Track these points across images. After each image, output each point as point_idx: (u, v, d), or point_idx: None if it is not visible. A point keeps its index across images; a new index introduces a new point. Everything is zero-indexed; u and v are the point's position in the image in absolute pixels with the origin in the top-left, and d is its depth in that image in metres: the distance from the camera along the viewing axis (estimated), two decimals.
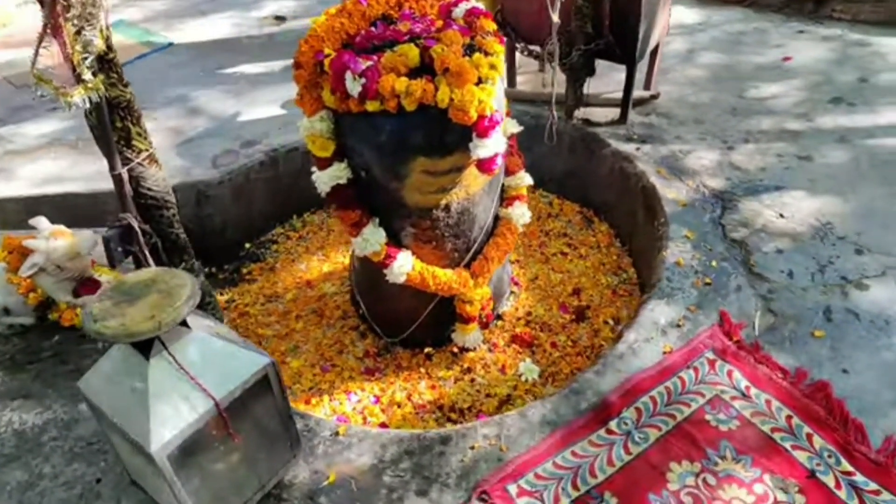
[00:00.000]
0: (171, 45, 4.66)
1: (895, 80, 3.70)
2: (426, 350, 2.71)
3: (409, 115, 1.98)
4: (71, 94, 1.44)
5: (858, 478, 1.82)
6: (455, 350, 2.70)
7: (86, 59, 1.47)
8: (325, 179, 2.17)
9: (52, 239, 2.31)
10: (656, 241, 2.72)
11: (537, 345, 2.71)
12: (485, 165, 2.09)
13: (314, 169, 2.22)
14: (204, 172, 3.25)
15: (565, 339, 2.72)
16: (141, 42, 4.73)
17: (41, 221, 2.34)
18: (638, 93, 3.55)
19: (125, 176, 1.82)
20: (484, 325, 2.71)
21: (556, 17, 2.84)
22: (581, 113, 3.46)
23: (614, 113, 3.48)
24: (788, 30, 4.44)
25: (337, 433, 2.03)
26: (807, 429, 1.95)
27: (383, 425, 2.42)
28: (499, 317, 2.84)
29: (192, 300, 1.52)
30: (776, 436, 1.94)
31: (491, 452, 1.95)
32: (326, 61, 2.00)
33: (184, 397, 1.55)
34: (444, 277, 2.38)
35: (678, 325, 2.28)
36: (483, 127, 2.00)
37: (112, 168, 1.66)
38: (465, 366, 2.64)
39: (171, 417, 1.52)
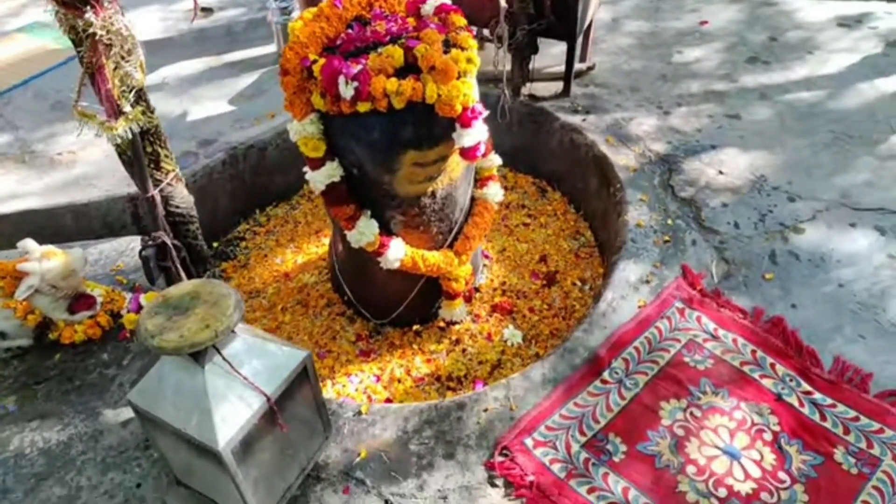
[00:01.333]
0: None
1: (802, 37, 4.08)
2: (415, 328, 2.88)
3: (397, 112, 2.12)
4: (115, 126, 1.50)
5: (817, 396, 2.14)
6: (442, 325, 2.88)
7: (125, 92, 1.53)
8: (320, 178, 2.28)
9: (44, 260, 2.32)
10: (614, 205, 2.98)
11: (516, 311, 2.93)
12: (469, 153, 2.26)
13: (307, 169, 2.32)
14: None
15: (540, 304, 2.95)
16: (64, 46, 4.55)
17: (29, 243, 2.35)
18: (575, 66, 3.78)
19: (158, 197, 1.88)
20: (467, 300, 2.90)
21: (503, 2, 3.02)
22: (527, 89, 3.65)
23: (557, 87, 3.69)
24: None
25: (360, 412, 2.19)
26: (769, 359, 2.26)
27: (388, 401, 2.59)
28: (476, 289, 3.04)
29: (240, 308, 1.64)
30: (745, 368, 2.24)
31: (503, 412, 2.16)
32: (316, 67, 2.10)
33: (239, 397, 1.67)
34: (433, 259, 2.55)
35: (647, 282, 2.55)
36: (466, 118, 2.17)
37: (145, 190, 1.72)
38: (454, 338, 2.83)
39: (231, 416, 1.65)
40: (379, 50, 2.16)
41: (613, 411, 2.16)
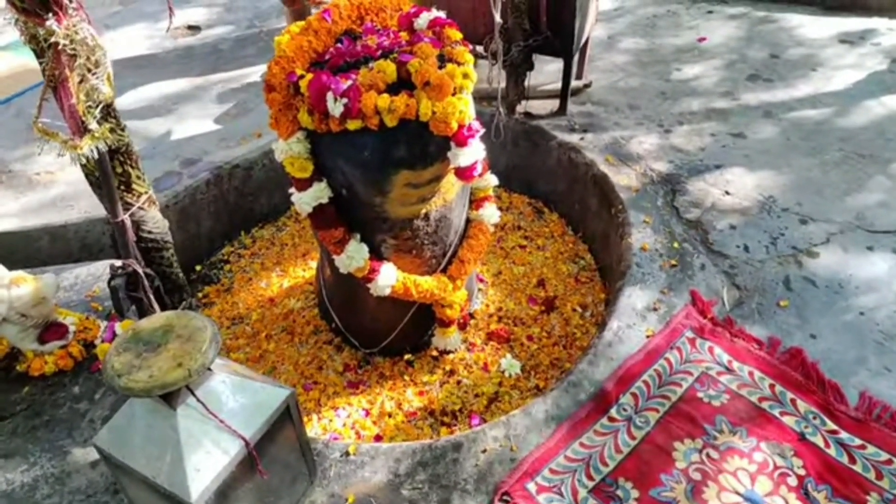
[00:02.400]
0: None
1: (804, 54, 3.98)
2: (406, 357, 2.72)
3: (389, 130, 1.97)
4: (80, 145, 1.35)
5: (843, 435, 1.98)
6: (435, 354, 2.72)
7: (91, 107, 1.38)
8: (307, 200, 2.12)
9: (13, 287, 2.15)
10: (616, 227, 2.84)
11: (514, 339, 2.77)
12: (465, 173, 2.11)
13: (292, 190, 2.17)
14: None
15: (539, 331, 2.80)
16: None
17: None
18: (571, 83, 3.66)
19: (128, 222, 1.72)
20: (462, 327, 2.74)
21: (498, 17, 2.89)
22: (522, 107, 3.53)
23: (553, 105, 3.57)
24: (698, 11, 4.68)
25: (347, 453, 2.01)
26: (790, 394, 2.11)
27: (378, 438, 2.42)
28: (471, 315, 2.88)
29: (216, 343, 1.48)
30: (764, 405, 2.09)
31: (502, 453, 2.00)
32: (303, 83, 1.96)
33: (214, 442, 1.51)
34: (427, 285, 2.40)
35: (655, 309, 2.40)
36: (462, 136, 2.02)
37: (114, 215, 1.56)
38: (448, 368, 2.67)
39: (205, 464, 1.48)
40: (370, 65, 2.02)
41: (623, 453, 1.99)
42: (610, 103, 3.63)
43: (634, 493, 1.89)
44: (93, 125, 1.37)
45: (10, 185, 3.31)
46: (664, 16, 4.62)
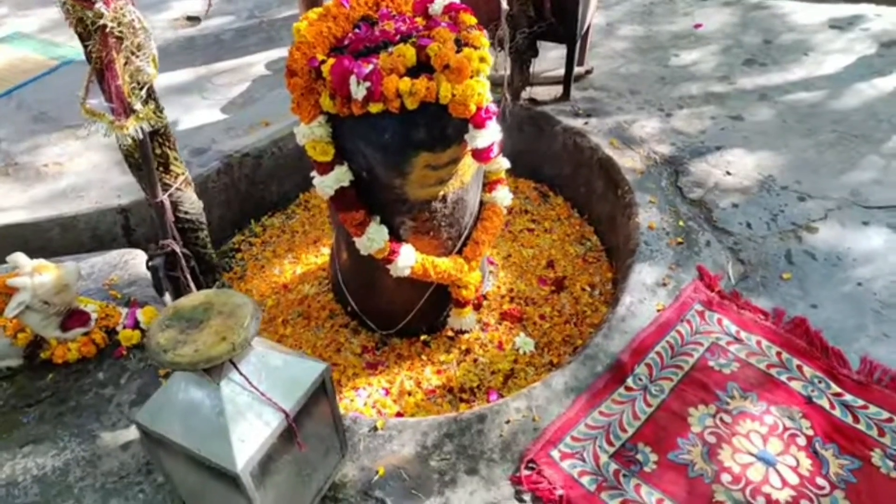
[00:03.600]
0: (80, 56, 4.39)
1: (796, 39, 4.08)
2: (422, 338, 2.79)
3: (410, 113, 2.04)
4: (126, 125, 1.40)
5: (847, 397, 2.08)
6: (450, 334, 2.79)
7: (136, 89, 1.43)
8: (330, 183, 2.18)
9: (35, 274, 2.20)
10: (623, 208, 2.92)
11: (526, 318, 2.85)
12: (483, 154, 2.18)
13: (314, 174, 2.23)
14: None
15: (550, 310, 2.88)
16: (46, 56, 4.42)
17: (20, 257, 2.22)
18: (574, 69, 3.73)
19: (167, 203, 1.77)
20: (476, 307, 2.82)
21: (505, 4, 2.96)
22: (526, 93, 3.59)
23: (556, 91, 3.64)
24: None
25: (375, 428, 2.08)
26: (796, 361, 2.20)
27: (399, 415, 2.49)
28: (484, 297, 2.96)
29: (256, 318, 1.54)
30: (772, 371, 2.18)
31: (525, 424, 2.08)
32: (325, 67, 2.02)
33: (257, 414, 1.57)
34: (444, 266, 2.46)
35: (664, 284, 2.48)
36: (480, 118, 2.09)
37: (154, 196, 1.61)
38: (464, 348, 2.74)
39: (248, 436, 1.54)
40: (389, 49, 2.08)
41: (640, 419, 2.08)
42: (611, 89, 3.71)
43: (653, 457, 1.98)
44: (137, 106, 1.42)
45: (18, 177, 3.33)
46: (660, 3, 4.70)
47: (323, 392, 1.77)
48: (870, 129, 3.23)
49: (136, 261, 2.77)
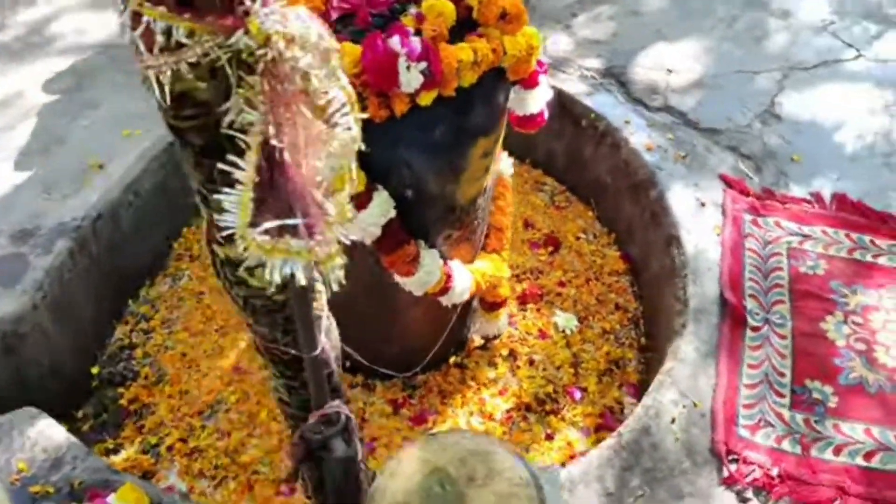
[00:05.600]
0: None
1: None
2: (451, 360, 2.28)
3: (460, 93, 1.49)
4: (332, 253, 0.69)
5: None
6: (478, 345, 2.33)
7: (339, 171, 0.73)
8: (374, 218, 1.55)
9: None
10: (598, 137, 2.62)
11: (546, 293, 2.47)
12: (533, 121, 1.73)
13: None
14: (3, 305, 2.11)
15: (563, 274, 2.53)
16: None
17: None
18: None
19: (328, 349, 1.04)
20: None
21: None
22: None
23: None
24: None
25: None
26: (867, 237, 2.15)
27: None
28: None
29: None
30: (856, 255, 2.11)
31: (691, 414, 1.77)
32: (346, 59, 1.36)
33: None
34: (492, 271, 1.98)
35: (702, 205, 2.27)
36: (536, 76, 1.62)
37: (312, 346, 0.88)
38: (505, 354, 2.30)
39: None
40: (410, 10, 1.48)
41: (787, 356, 1.88)
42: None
43: (828, 389, 1.81)
44: (328, 206, 0.72)
45: None
46: None
47: None
48: None
49: (41, 424, 1.86)
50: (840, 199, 2.26)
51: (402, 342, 2.15)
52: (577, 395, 2.16)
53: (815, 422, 1.75)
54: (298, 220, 0.70)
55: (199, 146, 0.81)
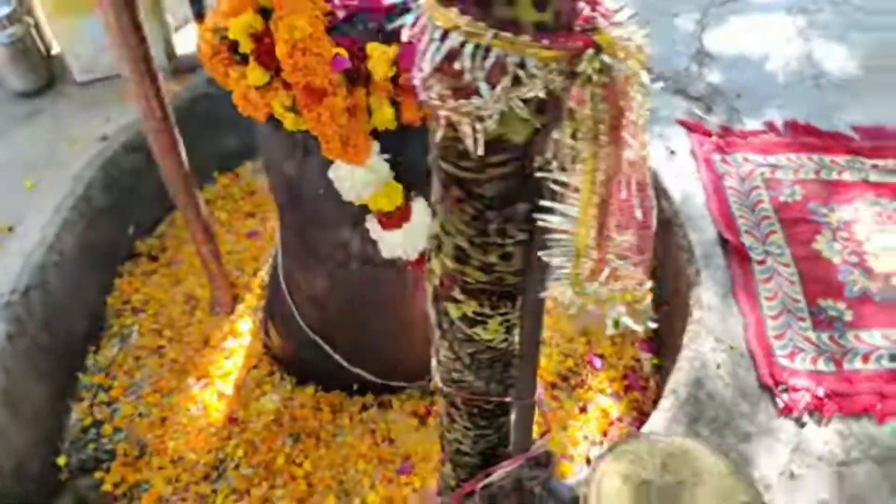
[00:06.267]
0: None
1: None
2: None
3: None
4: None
5: (889, 162, 2.24)
6: None
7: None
8: (420, 232, 1.41)
9: None
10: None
11: None
12: None
13: (382, 234, 1.42)
14: None
15: None
16: None
17: None
18: None
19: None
20: None
21: None
22: None
23: None
24: None
25: None
26: (826, 157, 2.28)
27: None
28: None
29: None
30: (822, 175, 2.23)
31: (733, 355, 1.81)
32: (378, 64, 1.21)
33: None
34: None
35: (672, 153, 2.30)
36: None
37: (531, 392, 0.75)
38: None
39: None
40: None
41: (796, 282, 1.96)
42: None
43: (840, 305, 1.92)
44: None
45: None
46: None
47: None
48: None
49: None
50: (793, 126, 2.37)
51: (418, 353, 2.03)
52: (597, 362, 2.14)
53: (839, 337, 1.84)
54: (634, 260, 0.60)
55: (489, 197, 0.68)
